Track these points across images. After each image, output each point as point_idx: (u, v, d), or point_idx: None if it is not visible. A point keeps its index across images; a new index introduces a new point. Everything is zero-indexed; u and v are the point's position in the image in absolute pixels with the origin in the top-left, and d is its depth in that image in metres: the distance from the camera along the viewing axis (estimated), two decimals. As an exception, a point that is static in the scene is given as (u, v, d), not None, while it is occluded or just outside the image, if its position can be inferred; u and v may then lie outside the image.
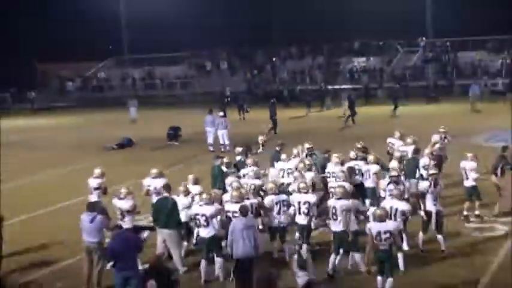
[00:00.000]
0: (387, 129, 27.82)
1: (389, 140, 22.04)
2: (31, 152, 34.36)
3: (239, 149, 20.29)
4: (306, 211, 14.67)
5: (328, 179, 17.61)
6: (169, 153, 31.70)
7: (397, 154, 18.90)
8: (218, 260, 14.03)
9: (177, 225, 14.82)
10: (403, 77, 57.63)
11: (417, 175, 18.05)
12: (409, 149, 19.65)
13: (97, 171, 17.63)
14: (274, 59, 65.95)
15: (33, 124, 49.07)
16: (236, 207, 13.82)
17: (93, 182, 17.25)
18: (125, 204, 14.94)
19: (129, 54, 73.71)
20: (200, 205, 14.29)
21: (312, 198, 14.87)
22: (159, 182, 16.26)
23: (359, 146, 19.24)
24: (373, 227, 12.62)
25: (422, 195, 15.22)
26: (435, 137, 20.88)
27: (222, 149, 30.87)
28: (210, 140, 31.61)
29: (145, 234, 15.12)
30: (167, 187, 15.27)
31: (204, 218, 13.96)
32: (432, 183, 15.23)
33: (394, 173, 15.86)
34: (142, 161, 29.83)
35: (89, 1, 66.12)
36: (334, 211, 13.85)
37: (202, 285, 14.03)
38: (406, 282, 13.41)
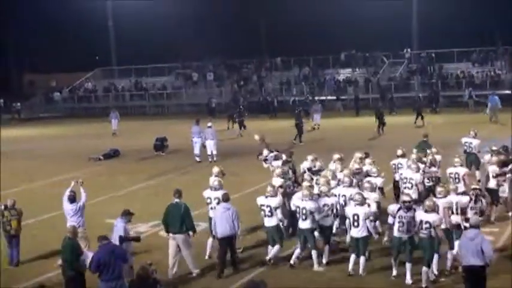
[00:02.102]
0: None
1: (464, 139, 22.91)
2: (17, 162, 34.18)
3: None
4: (304, 217, 15.06)
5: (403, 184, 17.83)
6: (156, 164, 31.72)
7: (501, 157, 19.15)
8: (276, 247, 15.45)
9: (191, 228, 15.20)
10: (388, 88, 57.86)
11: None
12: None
13: (216, 169, 17.90)
14: (262, 70, 66.08)
15: (19, 135, 48.90)
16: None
17: (212, 181, 17.28)
18: (218, 193, 16.03)
19: (117, 65, 73.63)
20: (266, 197, 15.48)
21: (312, 204, 15.12)
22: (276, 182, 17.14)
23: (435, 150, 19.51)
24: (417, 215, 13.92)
25: (462, 212, 14.71)
26: None
27: (210, 160, 30.90)
28: (197, 150, 31.61)
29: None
30: (178, 193, 15.43)
31: (268, 208, 15.30)
32: (473, 199, 15.01)
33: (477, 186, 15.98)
34: (129, 171, 29.88)
35: (77, 12, 66.11)
36: (356, 218, 14.50)
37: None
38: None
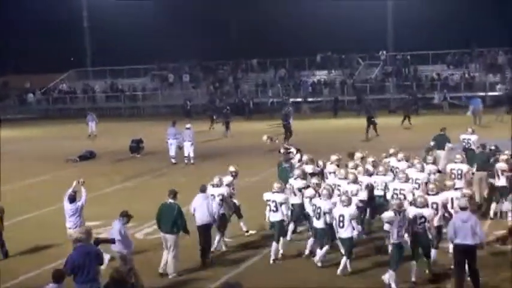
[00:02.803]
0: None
1: (463, 136, 23.68)
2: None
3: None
4: (317, 216, 15.37)
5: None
6: (132, 166, 31.58)
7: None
8: (273, 245, 15.95)
9: (181, 230, 15.32)
10: (364, 90, 58.10)
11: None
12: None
13: (232, 168, 18.22)
14: (238, 71, 66.15)
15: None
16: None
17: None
18: (220, 190, 16.94)
19: (91, 66, 73.29)
20: (272, 192, 16.06)
21: (328, 205, 15.28)
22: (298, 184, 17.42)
23: None
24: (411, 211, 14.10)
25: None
26: None
27: (186, 161, 30.80)
28: (172, 152, 31.46)
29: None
30: (173, 193, 15.55)
31: (274, 203, 15.90)
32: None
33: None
34: (105, 173, 29.72)
35: (51, 12, 65.65)
36: (341, 219, 14.67)
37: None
38: None
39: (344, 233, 14.66)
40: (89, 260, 12.26)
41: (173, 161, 31.31)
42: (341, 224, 14.65)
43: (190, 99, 58.28)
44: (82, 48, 72.90)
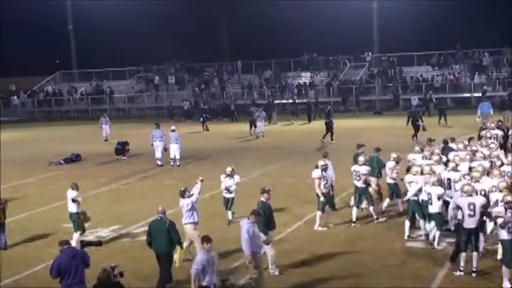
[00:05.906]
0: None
1: (494, 131, 24.09)
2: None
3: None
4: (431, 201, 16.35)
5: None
6: (117, 168, 31.39)
7: None
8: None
9: (270, 228, 15.25)
10: (349, 91, 58.19)
11: None
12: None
13: (394, 155, 19.29)
14: (224, 73, 66.12)
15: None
16: None
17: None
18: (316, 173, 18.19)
19: (77, 68, 73.08)
20: (431, 185, 16.35)
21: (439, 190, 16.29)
22: None
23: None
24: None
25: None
26: None
27: (172, 164, 30.69)
28: (158, 154, 31.35)
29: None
30: (263, 192, 15.41)
31: (429, 196, 16.23)
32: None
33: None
34: (90, 176, 29.58)
35: (36, 15, 65.40)
36: (430, 196, 16.12)
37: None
38: None
39: (433, 208, 16.10)
40: (76, 263, 12.15)
41: (159, 163, 31.18)
42: (430, 201, 16.10)
43: (188, 101, 58.19)
44: (67, 50, 72.69)
